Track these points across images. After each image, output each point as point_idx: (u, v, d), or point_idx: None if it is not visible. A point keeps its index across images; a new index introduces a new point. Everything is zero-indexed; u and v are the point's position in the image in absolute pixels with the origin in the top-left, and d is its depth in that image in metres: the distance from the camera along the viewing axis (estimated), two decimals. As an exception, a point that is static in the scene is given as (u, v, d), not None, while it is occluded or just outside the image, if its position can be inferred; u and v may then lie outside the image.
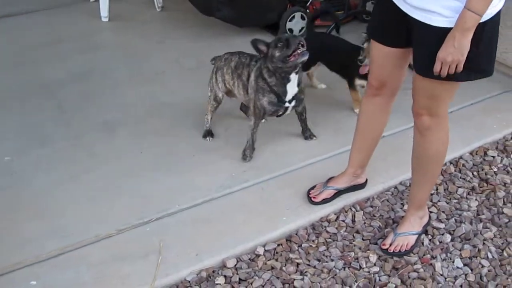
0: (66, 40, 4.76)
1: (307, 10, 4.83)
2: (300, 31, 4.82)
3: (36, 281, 2.58)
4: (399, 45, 2.47)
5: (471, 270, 2.72)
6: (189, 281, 2.63)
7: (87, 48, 4.67)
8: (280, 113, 3.28)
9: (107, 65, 4.41)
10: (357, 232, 2.92)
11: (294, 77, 3.17)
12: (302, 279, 2.65)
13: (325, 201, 3.00)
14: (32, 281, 2.58)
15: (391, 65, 2.57)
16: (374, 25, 2.64)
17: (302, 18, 4.79)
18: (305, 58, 3.05)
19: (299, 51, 3.04)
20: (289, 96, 3.21)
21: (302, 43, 3.05)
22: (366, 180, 3.12)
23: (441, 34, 2.17)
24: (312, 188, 3.07)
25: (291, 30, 4.77)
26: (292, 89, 3.19)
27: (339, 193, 3.03)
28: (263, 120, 3.35)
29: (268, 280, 2.65)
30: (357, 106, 3.51)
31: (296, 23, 4.79)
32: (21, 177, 3.21)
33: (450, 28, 2.15)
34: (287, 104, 3.23)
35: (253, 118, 3.27)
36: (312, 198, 3.01)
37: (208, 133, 3.53)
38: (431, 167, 2.68)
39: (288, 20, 4.73)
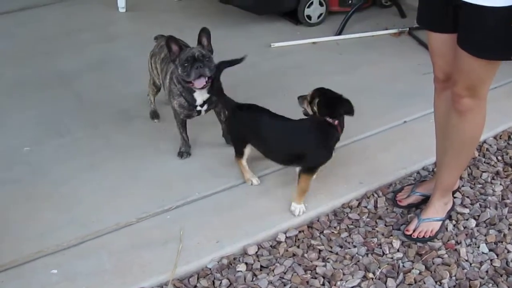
0: (83, 31, 4.75)
1: (325, -4, 4.78)
2: (318, 17, 4.77)
3: (57, 270, 2.58)
4: (454, 30, 2.37)
5: (497, 255, 2.67)
6: (210, 269, 2.61)
7: (104, 38, 4.65)
8: (195, 115, 3.13)
9: (124, 54, 4.39)
10: (380, 218, 2.88)
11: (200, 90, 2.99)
12: (325, 266, 2.62)
13: (410, 205, 2.94)
14: (53, 270, 2.59)
15: (452, 53, 2.41)
16: (422, 14, 2.54)
17: (321, 4, 4.74)
18: (204, 86, 2.91)
19: (197, 82, 2.90)
20: (199, 102, 3.04)
21: (203, 74, 2.87)
22: (459, 185, 3.01)
23: (496, 14, 2.12)
24: (400, 190, 3.00)
25: (309, 17, 4.73)
26: (201, 96, 3.02)
27: (426, 199, 2.88)
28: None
29: (289, 267, 2.62)
30: (302, 200, 2.84)
31: (315, 10, 4.74)
32: (40, 167, 3.20)
33: (504, 8, 2.09)
34: (198, 108, 3.07)
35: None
36: (398, 201, 2.95)
37: (154, 114, 3.54)
38: (465, 150, 2.62)
39: (306, 6, 4.68)
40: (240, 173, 3.07)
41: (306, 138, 2.80)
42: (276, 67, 4.16)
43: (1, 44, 4.56)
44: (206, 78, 2.90)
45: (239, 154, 3.00)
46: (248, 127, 2.92)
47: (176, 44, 2.95)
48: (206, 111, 3.11)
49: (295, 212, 2.84)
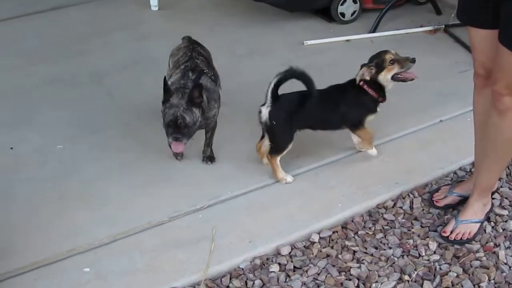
0: (115, 30, 4.75)
1: (359, -7, 4.72)
2: (352, 14, 4.70)
3: (89, 268, 2.58)
4: (494, 26, 2.31)
5: (537, 258, 2.60)
6: (243, 269, 2.58)
7: (136, 37, 4.65)
8: None
9: (156, 53, 4.38)
10: (416, 219, 2.82)
11: None
12: (359, 267, 2.57)
13: (447, 206, 2.88)
14: (86, 268, 2.58)
15: (494, 48, 2.34)
16: (463, 9, 2.48)
17: (354, 1, 4.67)
18: (181, 151, 3.03)
19: (174, 146, 2.94)
20: None
21: (176, 137, 2.88)
22: (497, 186, 2.94)
23: None
24: (437, 190, 2.95)
25: (342, 14, 4.66)
26: None
27: (464, 200, 2.82)
28: None
29: (323, 268, 2.58)
30: (372, 145, 3.11)
31: (348, 7, 4.67)
32: (73, 165, 3.21)
33: None
34: None
35: None
36: (435, 202, 2.89)
37: None
38: (505, 150, 2.56)
39: (340, 3, 4.62)
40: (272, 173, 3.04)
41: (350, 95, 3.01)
42: (310, 65, 4.06)
43: (34, 43, 4.58)
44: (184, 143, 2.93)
45: (282, 150, 2.97)
46: (297, 112, 2.96)
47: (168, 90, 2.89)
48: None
49: (373, 154, 3.10)
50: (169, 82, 3.02)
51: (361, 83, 2.95)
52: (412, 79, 2.90)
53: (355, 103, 2.99)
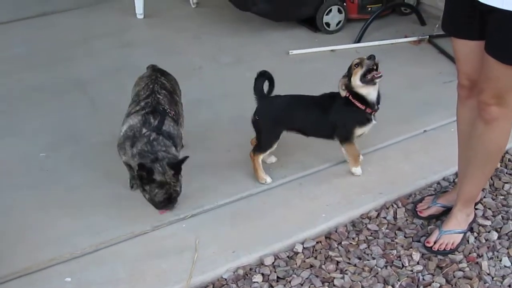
0: (100, 38, 4.74)
1: (344, 4, 4.73)
2: (337, 24, 4.72)
3: (71, 278, 2.56)
4: (480, 37, 2.32)
5: (520, 269, 2.60)
6: (226, 279, 2.57)
7: (121, 44, 4.64)
8: None
9: (142, 61, 4.34)
10: (399, 229, 2.82)
11: None
12: (342, 278, 2.56)
13: (431, 217, 2.88)
14: (67, 278, 2.56)
15: (479, 60, 2.36)
16: (448, 20, 2.49)
17: (339, 11, 4.69)
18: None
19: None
20: None
21: (171, 208, 2.84)
22: (480, 198, 2.95)
23: None
24: (420, 200, 2.95)
25: (328, 24, 4.68)
26: None
27: (448, 211, 2.82)
28: None
29: (307, 278, 2.57)
30: (357, 163, 3.10)
31: (333, 17, 4.68)
32: (55, 174, 3.19)
33: None
34: None
35: None
36: (418, 212, 2.89)
37: None
38: (490, 160, 2.57)
39: (325, 13, 4.63)
40: (254, 175, 3.07)
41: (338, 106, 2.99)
42: (294, 74, 4.12)
43: (19, 50, 4.56)
44: None
45: (266, 148, 3.01)
46: (285, 111, 3.03)
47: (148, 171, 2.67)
48: None
49: (357, 173, 3.09)
50: (127, 120, 2.85)
51: (348, 94, 2.95)
52: (379, 77, 2.85)
53: (342, 114, 2.98)
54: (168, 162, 2.69)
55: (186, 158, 2.73)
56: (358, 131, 2.98)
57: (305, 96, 3.08)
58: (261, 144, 3.03)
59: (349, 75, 2.92)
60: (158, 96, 2.91)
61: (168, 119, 2.84)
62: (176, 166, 2.71)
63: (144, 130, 2.75)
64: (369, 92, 2.91)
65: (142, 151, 2.71)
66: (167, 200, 2.75)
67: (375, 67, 2.84)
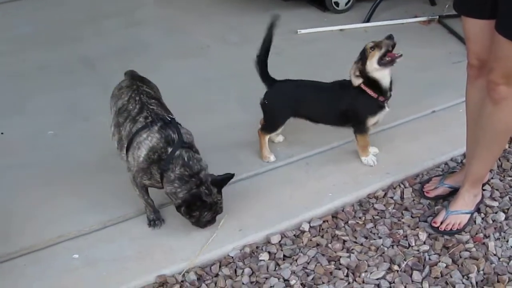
0: (108, 16, 4.73)
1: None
2: (346, 4, 4.69)
3: (78, 254, 2.58)
4: (491, 16, 2.29)
5: (526, 250, 2.60)
6: (232, 257, 2.58)
7: (129, 23, 4.63)
8: None
9: (149, 39, 4.37)
10: (406, 209, 2.82)
11: None
12: (349, 257, 2.57)
13: (438, 197, 2.87)
14: (75, 255, 2.58)
15: (489, 39, 2.33)
16: (459, 0, 2.47)
17: (349, -10, 4.66)
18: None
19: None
20: None
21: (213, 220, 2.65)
22: (488, 178, 2.93)
23: None
24: (428, 181, 2.94)
25: (336, 4, 4.66)
26: None
27: (455, 191, 2.81)
28: None
29: (313, 257, 2.58)
30: (366, 153, 3.05)
31: (343, -4, 4.67)
32: (63, 151, 3.20)
33: None
34: None
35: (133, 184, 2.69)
36: (426, 193, 2.89)
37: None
38: (498, 141, 2.56)
39: (335, -8, 4.61)
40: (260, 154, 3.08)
41: (349, 96, 2.91)
42: (303, 54, 4.10)
43: (26, 28, 4.56)
44: None
45: (271, 131, 3.03)
46: (295, 99, 2.99)
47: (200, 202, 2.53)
48: None
49: (369, 163, 3.03)
50: (142, 143, 2.55)
51: (360, 84, 2.87)
52: (400, 56, 2.79)
53: (354, 104, 2.91)
54: (212, 181, 2.55)
55: (231, 176, 2.62)
56: (371, 120, 2.93)
57: (316, 83, 3.02)
58: (267, 126, 3.03)
59: (362, 59, 2.84)
60: (152, 107, 2.66)
61: (179, 127, 2.64)
62: (221, 183, 2.59)
63: (169, 149, 2.52)
64: (384, 76, 2.84)
65: (184, 176, 2.50)
66: (213, 218, 2.64)
67: (391, 48, 2.80)
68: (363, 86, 2.86)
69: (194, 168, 2.52)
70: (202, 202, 2.52)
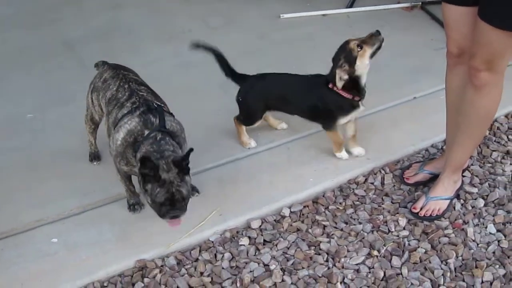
0: (89, -2, 4.68)
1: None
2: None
3: (57, 238, 2.57)
4: (473, 3, 2.29)
5: (505, 236, 2.63)
6: (212, 242, 2.58)
7: (110, 5, 4.57)
8: None
9: (131, 22, 4.33)
10: (386, 195, 2.83)
11: None
12: (329, 242, 2.58)
13: (418, 183, 2.88)
14: (54, 239, 2.57)
15: (469, 26, 2.34)
16: None
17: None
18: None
19: (172, 222, 2.44)
20: None
21: (175, 215, 2.40)
22: (468, 164, 2.95)
23: None
24: (408, 167, 2.95)
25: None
26: None
27: (435, 177, 2.83)
28: None
29: (293, 242, 2.59)
30: (339, 149, 2.99)
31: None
32: (42, 135, 3.17)
33: None
34: None
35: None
36: (406, 179, 2.89)
37: (95, 157, 2.99)
38: (479, 127, 2.58)
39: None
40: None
41: (322, 94, 2.85)
42: (286, 39, 4.08)
43: (6, 10, 4.49)
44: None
45: (249, 125, 3.01)
46: (271, 92, 2.95)
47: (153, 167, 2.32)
48: None
49: (342, 157, 2.98)
50: (121, 126, 2.47)
51: (333, 86, 2.79)
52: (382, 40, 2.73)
53: (326, 102, 2.84)
54: (173, 159, 2.35)
55: (190, 151, 2.37)
56: (342, 120, 2.87)
57: (290, 77, 2.96)
58: (245, 120, 3.02)
59: (351, 60, 2.71)
60: (142, 93, 2.59)
61: (166, 115, 2.54)
62: (181, 162, 2.34)
63: (147, 132, 2.43)
64: (366, 72, 2.78)
65: (147, 152, 2.37)
66: (169, 202, 2.36)
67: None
68: (338, 90, 2.78)
69: (162, 148, 2.38)
70: (157, 173, 2.31)
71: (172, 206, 2.36)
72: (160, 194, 2.34)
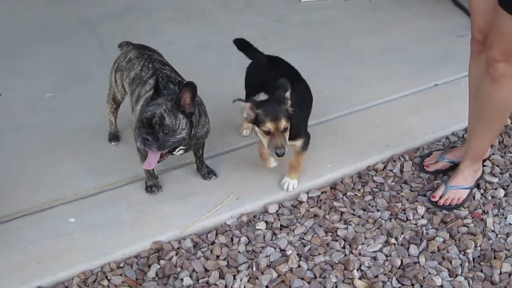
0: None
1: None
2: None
3: (74, 218, 2.57)
4: None
5: (525, 227, 2.59)
6: (229, 225, 2.57)
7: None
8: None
9: (150, 2, 4.31)
10: (405, 182, 2.81)
11: None
12: (346, 228, 2.56)
13: (438, 171, 2.85)
14: (71, 218, 2.57)
15: (492, 11, 2.28)
16: None
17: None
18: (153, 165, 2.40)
19: (146, 162, 2.39)
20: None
21: (146, 137, 2.31)
22: (489, 154, 2.91)
23: None
24: (428, 155, 2.92)
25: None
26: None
27: (455, 166, 2.80)
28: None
29: (310, 227, 2.57)
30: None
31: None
32: (61, 114, 3.17)
33: None
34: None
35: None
36: (425, 167, 2.87)
37: (114, 137, 2.99)
38: (498, 117, 2.53)
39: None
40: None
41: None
42: (306, 22, 4.04)
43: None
44: (158, 154, 2.38)
45: None
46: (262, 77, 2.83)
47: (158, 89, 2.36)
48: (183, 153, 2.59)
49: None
50: (136, 109, 2.49)
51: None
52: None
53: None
54: (175, 91, 2.39)
55: (193, 86, 2.33)
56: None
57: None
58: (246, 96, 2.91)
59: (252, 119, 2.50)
60: (165, 72, 2.59)
61: None
62: (183, 91, 2.30)
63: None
64: None
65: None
66: (147, 122, 2.30)
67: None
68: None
69: (171, 90, 2.40)
70: (157, 91, 2.34)
71: (147, 128, 2.30)
72: (144, 112, 2.31)
